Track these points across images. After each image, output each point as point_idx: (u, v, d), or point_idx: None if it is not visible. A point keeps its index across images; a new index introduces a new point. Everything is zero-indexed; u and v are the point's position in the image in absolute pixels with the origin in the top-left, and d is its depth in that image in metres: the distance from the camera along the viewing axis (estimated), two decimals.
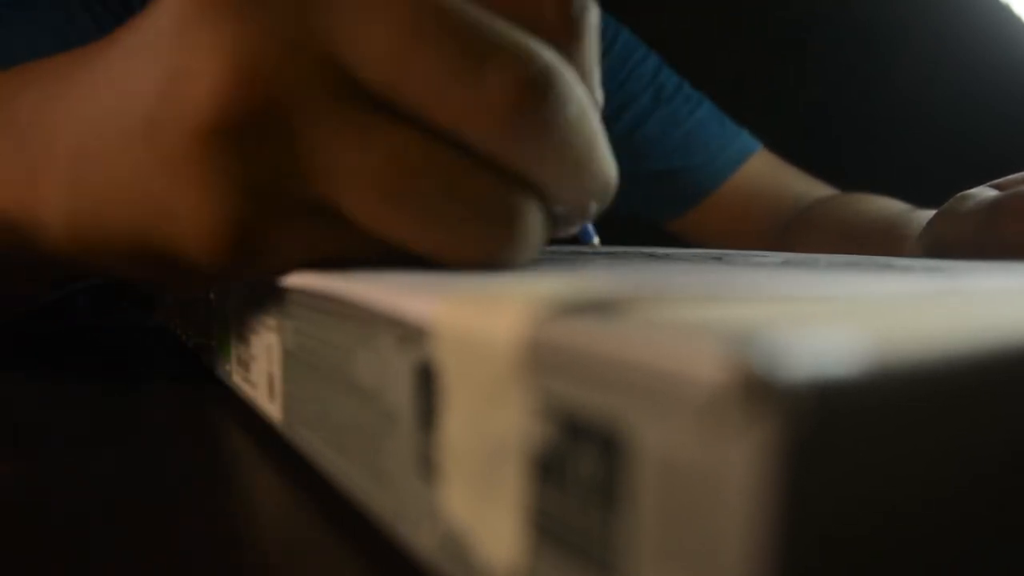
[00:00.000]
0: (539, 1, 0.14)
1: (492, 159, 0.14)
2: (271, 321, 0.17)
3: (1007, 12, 0.69)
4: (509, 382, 0.08)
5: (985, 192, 0.34)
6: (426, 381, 0.10)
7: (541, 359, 0.08)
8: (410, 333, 0.10)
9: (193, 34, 0.15)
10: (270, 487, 0.16)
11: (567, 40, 0.15)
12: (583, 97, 0.14)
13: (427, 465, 0.10)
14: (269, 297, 0.17)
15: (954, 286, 0.13)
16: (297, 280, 0.15)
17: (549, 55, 0.14)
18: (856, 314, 0.08)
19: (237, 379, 0.20)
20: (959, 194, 0.34)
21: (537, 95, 0.14)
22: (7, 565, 0.12)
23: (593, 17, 0.15)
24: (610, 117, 0.60)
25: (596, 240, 0.21)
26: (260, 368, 0.18)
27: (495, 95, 0.14)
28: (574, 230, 0.18)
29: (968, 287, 0.12)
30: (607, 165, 0.16)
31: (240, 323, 0.20)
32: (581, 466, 0.07)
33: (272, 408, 0.17)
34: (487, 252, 0.15)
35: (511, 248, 0.15)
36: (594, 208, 0.16)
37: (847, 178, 0.60)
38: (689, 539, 0.06)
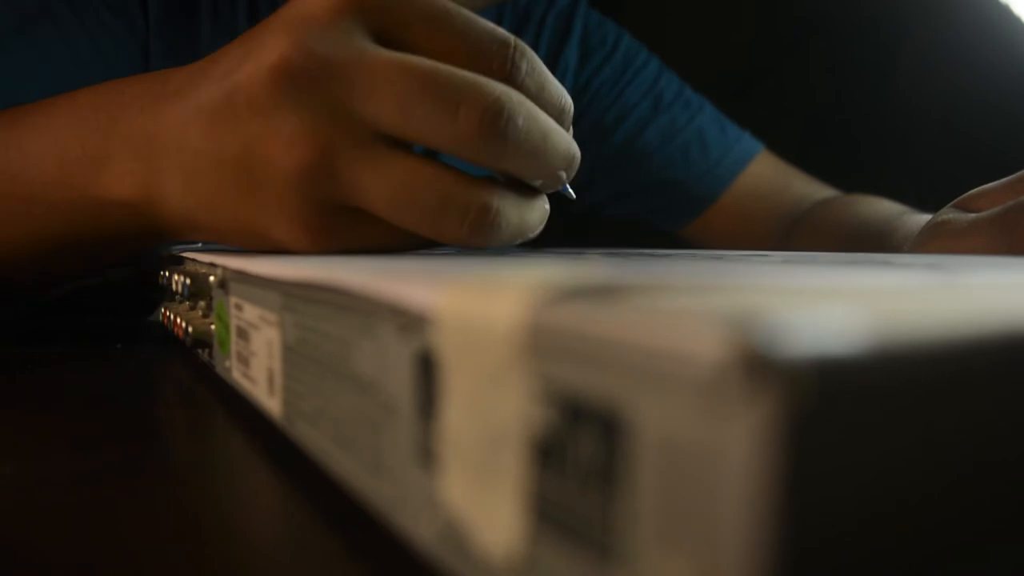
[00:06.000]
0: (488, 59, 0.23)
1: (473, 164, 0.23)
2: (271, 316, 0.17)
3: (1007, 12, 0.69)
4: (509, 367, 0.08)
5: (955, 213, 0.33)
6: (426, 369, 0.10)
7: (541, 344, 0.08)
8: (411, 321, 0.10)
9: (271, 112, 0.23)
10: (269, 484, 0.16)
11: (511, 76, 0.23)
12: (530, 107, 0.23)
13: (427, 454, 0.10)
14: (269, 292, 0.17)
15: (954, 280, 0.13)
16: (297, 273, 0.15)
17: (499, 87, 0.22)
18: (856, 297, 0.08)
19: (237, 375, 0.20)
20: (935, 220, 0.34)
21: (492, 117, 0.22)
22: (7, 564, 0.12)
23: (524, 58, 0.23)
24: (609, 126, 0.61)
25: (571, 191, 0.28)
26: (260, 363, 0.18)
27: (466, 125, 0.22)
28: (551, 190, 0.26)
29: (968, 281, 0.12)
30: (562, 147, 0.24)
31: (240, 319, 0.20)
32: (581, 449, 0.07)
33: (272, 403, 0.17)
34: (471, 231, 0.23)
35: (491, 225, 0.23)
36: (563, 175, 0.25)
37: (848, 178, 0.60)
38: (689, 519, 0.06)
